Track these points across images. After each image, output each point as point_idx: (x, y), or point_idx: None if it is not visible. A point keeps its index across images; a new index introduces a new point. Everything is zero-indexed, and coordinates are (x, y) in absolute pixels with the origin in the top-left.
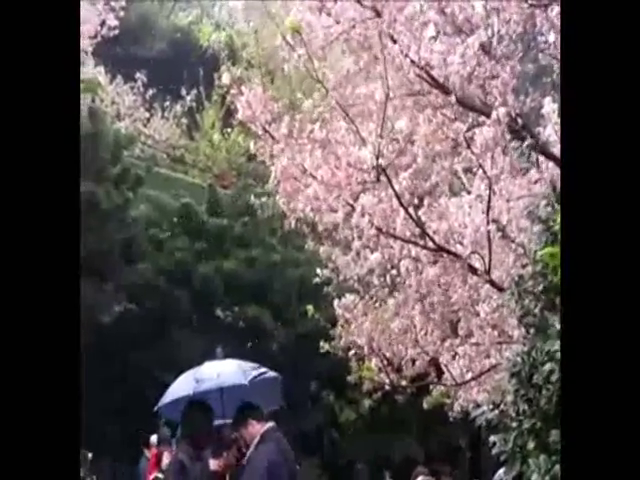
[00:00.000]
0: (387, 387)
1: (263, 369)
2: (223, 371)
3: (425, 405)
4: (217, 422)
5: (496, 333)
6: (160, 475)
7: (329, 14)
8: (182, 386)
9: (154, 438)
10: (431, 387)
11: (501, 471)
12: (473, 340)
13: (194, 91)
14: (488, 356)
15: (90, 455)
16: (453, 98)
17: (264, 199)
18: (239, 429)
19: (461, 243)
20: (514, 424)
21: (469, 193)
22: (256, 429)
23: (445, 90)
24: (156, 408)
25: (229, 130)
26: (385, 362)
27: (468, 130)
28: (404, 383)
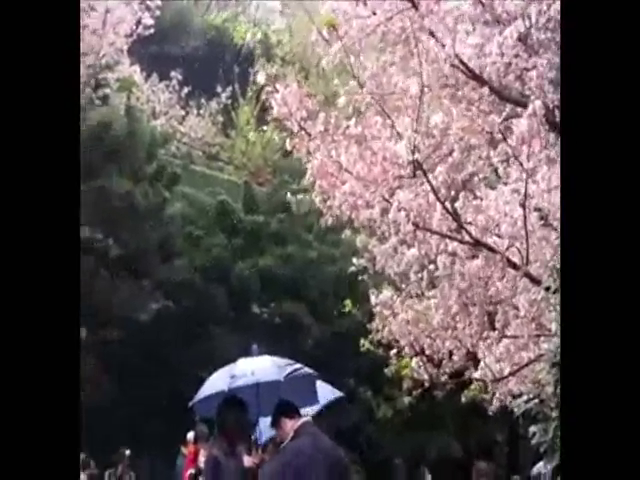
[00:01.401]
0: (426, 384)
1: (298, 365)
2: (258, 367)
3: (463, 400)
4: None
5: (534, 326)
6: (194, 471)
7: (365, 5)
8: (217, 383)
9: (191, 435)
10: (469, 382)
11: (540, 464)
12: (511, 334)
13: (229, 88)
14: (526, 350)
15: (128, 452)
16: (486, 90)
17: (300, 196)
18: (275, 427)
19: (498, 236)
20: (554, 414)
21: (506, 184)
22: (289, 425)
23: (481, 82)
24: (191, 404)
25: (264, 127)
26: (425, 359)
27: (504, 121)
28: (443, 379)
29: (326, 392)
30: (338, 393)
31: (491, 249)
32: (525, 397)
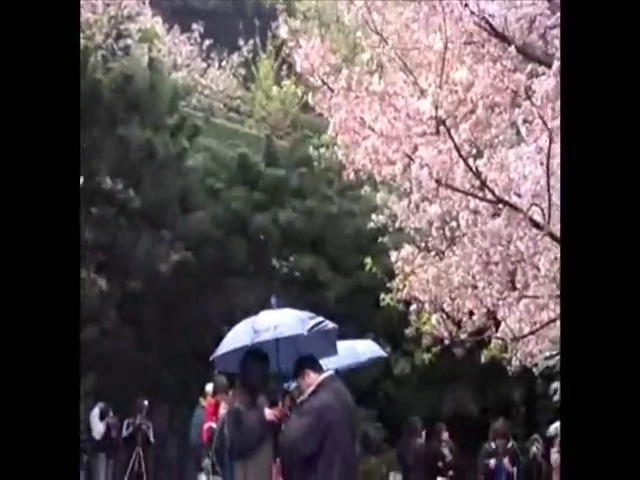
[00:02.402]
0: (446, 342)
1: (320, 318)
2: (280, 321)
3: (483, 359)
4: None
5: (554, 286)
6: (214, 425)
7: None
8: (239, 336)
9: (210, 387)
10: (488, 341)
11: (557, 424)
12: (531, 293)
13: (251, 42)
14: (547, 309)
15: (146, 403)
16: (513, 49)
17: (322, 150)
18: (297, 379)
19: (519, 195)
20: None
21: (527, 145)
22: (312, 378)
23: (505, 39)
24: (211, 358)
25: (284, 81)
26: (445, 316)
27: (527, 79)
28: (463, 337)
29: (368, 350)
30: (380, 352)
31: (514, 207)
32: (547, 353)
